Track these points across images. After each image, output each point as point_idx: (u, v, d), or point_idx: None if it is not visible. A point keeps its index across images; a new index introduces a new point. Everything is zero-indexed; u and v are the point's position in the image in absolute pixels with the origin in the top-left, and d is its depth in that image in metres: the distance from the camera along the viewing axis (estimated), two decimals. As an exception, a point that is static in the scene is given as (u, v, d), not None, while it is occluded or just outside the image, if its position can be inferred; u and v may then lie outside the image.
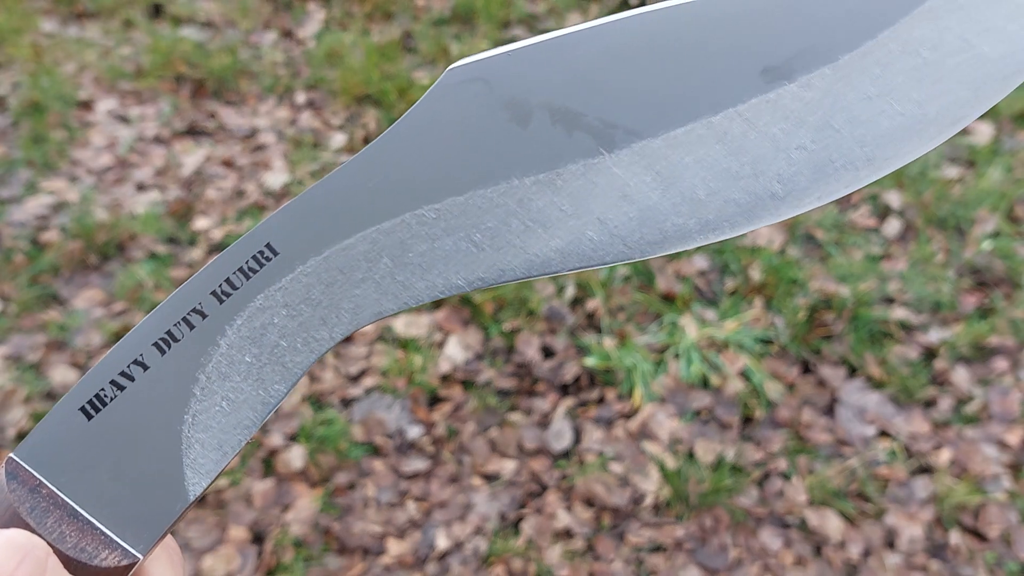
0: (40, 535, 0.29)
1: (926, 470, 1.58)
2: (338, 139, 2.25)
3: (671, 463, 1.56)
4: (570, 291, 1.84)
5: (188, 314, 0.32)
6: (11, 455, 0.30)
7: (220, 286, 0.33)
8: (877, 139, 0.33)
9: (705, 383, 1.70)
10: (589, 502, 1.52)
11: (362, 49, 2.51)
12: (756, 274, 1.87)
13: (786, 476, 1.56)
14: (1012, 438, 1.61)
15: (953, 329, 1.80)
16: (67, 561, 0.29)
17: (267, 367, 0.33)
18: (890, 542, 1.47)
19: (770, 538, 1.47)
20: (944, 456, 1.58)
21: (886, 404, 1.67)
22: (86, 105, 2.32)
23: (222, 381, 0.33)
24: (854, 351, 1.74)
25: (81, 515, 0.30)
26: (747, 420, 1.65)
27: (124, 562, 0.30)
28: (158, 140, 2.24)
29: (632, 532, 1.48)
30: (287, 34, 2.66)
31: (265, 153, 2.21)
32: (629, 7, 2.81)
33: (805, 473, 1.56)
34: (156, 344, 0.32)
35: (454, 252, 0.34)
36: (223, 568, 1.39)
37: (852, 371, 1.73)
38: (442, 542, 1.46)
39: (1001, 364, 1.73)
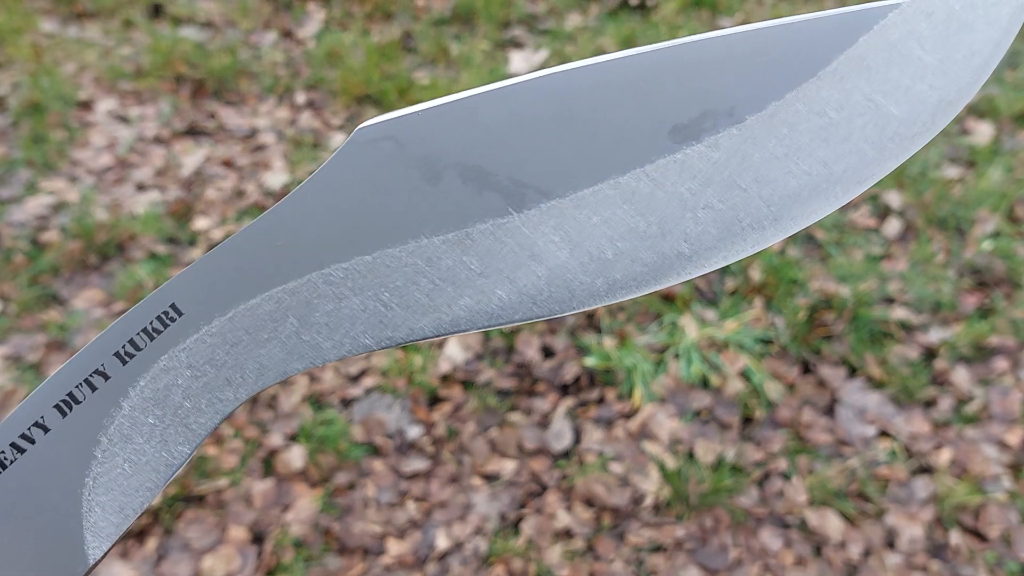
0: None
1: (926, 470, 1.58)
2: (338, 139, 2.25)
3: (671, 463, 1.56)
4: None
5: (91, 375, 0.32)
6: None
7: (123, 347, 0.32)
8: (784, 198, 0.34)
9: (705, 383, 1.70)
10: (589, 502, 1.52)
11: (362, 49, 2.51)
12: (756, 274, 1.87)
13: (786, 476, 1.56)
14: (1012, 438, 1.61)
15: (953, 329, 1.80)
16: None
17: (171, 428, 0.33)
18: (890, 542, 1.47)
19: (770, 538, 1.47)
20: (944, 456, 1.58)
21: (886, 404, 1.67)
22: (86, 105, 2.32)
23: (124, 443, 0.32)
24: (854, 351, 1.74)
25: None
26: (747, 420, 1.65)
27: None
28: (158, 140, 2.24)
29: (632, 532, 1.48)
30: (287, 34, 2.66)
31: (265, 153, 2.21)
32: (629, 7, 2.81)
33: (805, 473, 1.56)
34: (57, 406, 0.31)
35: (362, 311, 0.34)
36: (223, 568, 1.39)
37: (852, 371, 1.72)
38: (442, 542, 1.46)
39: (1001, 364, 1.73)
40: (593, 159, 0.33)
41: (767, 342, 1.77)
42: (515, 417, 1.64)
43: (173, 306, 0.33)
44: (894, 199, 2.08)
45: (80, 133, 2.21)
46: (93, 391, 0.32)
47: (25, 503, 0.31)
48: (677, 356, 1.72)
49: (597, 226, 0.33)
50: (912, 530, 1.47)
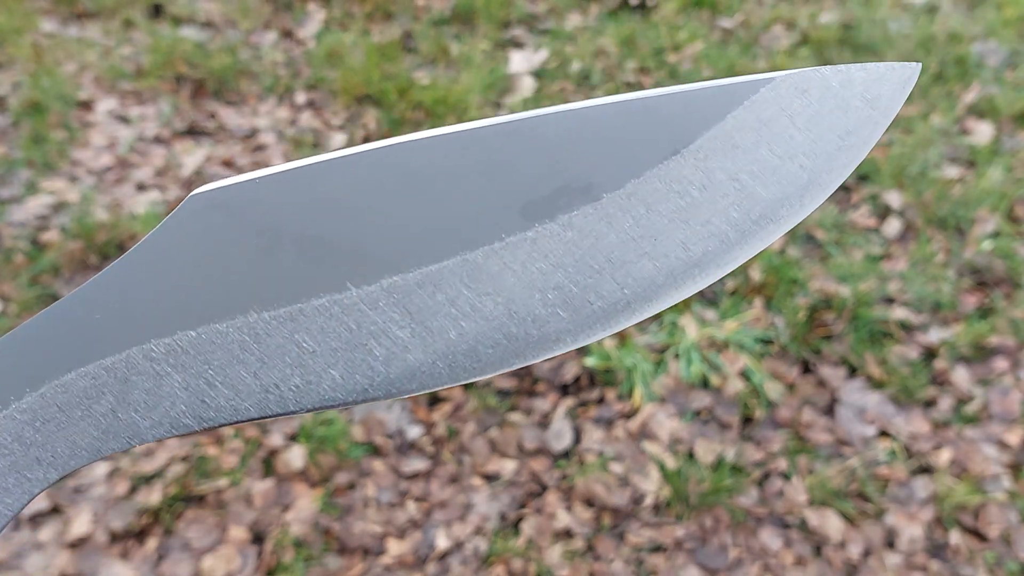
0: None
1: (926, 470, 1.58)
2: (338, 139, 2.25)
3: (671, 463, 1.56)
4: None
5: None
6: None
7: None
8: (638, 281, 0.32)
9: (705, 383, 1.70)
10: (589, 502, 1.52)
11: (362, 49, 2.51)
12: (756, 274, 1.87)
13: (786, 476, 1.56)
14: (1012, 438, 1.61)
15: (953, 329, 1.80)
16: None
17: None
18: (890, 542, 1.47)
19: (770, 538, 1.47)
20: (944, 456, 1.58)
21: (886, 404, 1.67)
22: (86, 105, 2.32)
23: None
24: (854, 351, 1.75)
25: None
26: (747, 420, 1.65)
27: None
28: (158, 140, 2.24)
29: (632, 532, 1.48)
30: (287, 34, 2.66)
31: (265, 153, 2.21)
32: (629, 7, 2.81)
33: (805, 473, 1.56)
34: None
35: (183, 390, 0.31)
36: (223, 568, 1.39)
37: (852, 371, 1.73)
38: (442, 542, 1.46)
39: (1001, 364, 1.73)
40: (440, 234, 0.32)
41: (767, 342, 1.77)
42: (515, 417, 1.64)
43: None
44: (894, 199, 2.08)
45: (80, 133, 2.22)
46: None
47: None
48: (677, 356, 1.72)
49: (442, 304, 0.31)
50: (912, 530, 1.48)
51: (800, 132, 0.32)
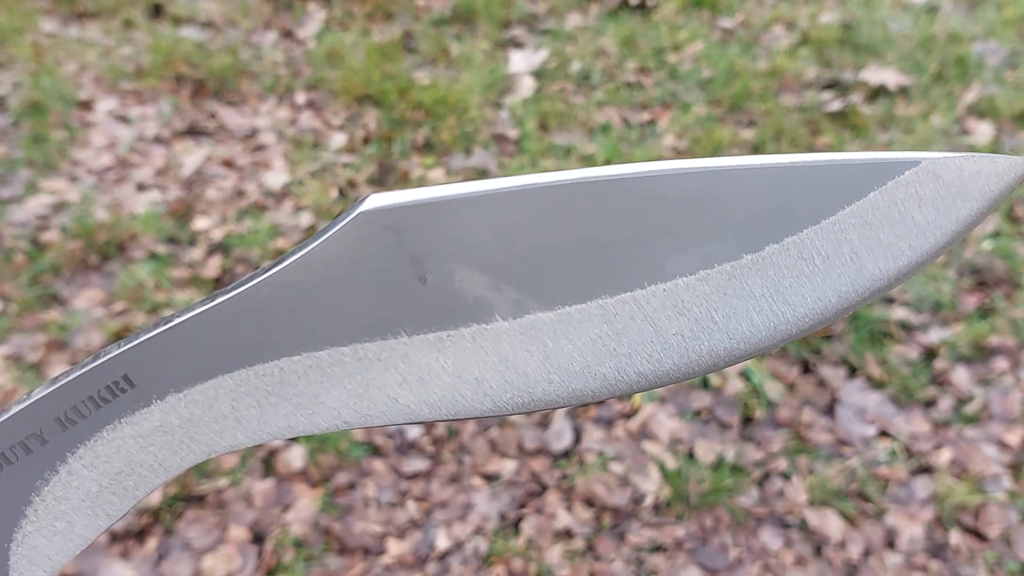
0: None
1: (926, 470, 1.58)
2: (338, 139, 2.25)
3: (671, 463, 1.56)
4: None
5: (26, 438, 0.31)
6: None
7: (65, 413, 0.31)
8: (745, 333, 0.34)
9: (705, 383, 1.70)
10: (589, 502, 1.52)
11: (363, 49, 2.51)
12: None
13: (786, 476, 1.56)
14: (1012, 438, 1.61)
15: (953, 329, 1.80)
16: None
17: (107, 492, 0.32)
18: (890, 542, 1.47)
19: (770, 538, 1.47)
20: (944, 456, 1.58)
21: (886, 404, 1.67)
22: (86, 105, 2.32)
23: (58, 503, 0.32)
24: (854, 351, 1.75)
25: None
26: (747, 420, 1.65)
27: None
28: (158, 140, 2.24)
29: (632, 532, 1.48)
30: (288, 34, 2.66)
31: (265, 153, 2.21)
32: (629, 7, 2.81)
33: (805, 473, 1.56)
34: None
35: (317, 396, 0.33)
36: (223, 568, 1.39)
37: (852, 371, 1.73)
38: (442, 542, 1.46)
39: (1001, 364, 1.73)
40: (591, 276, 0.33)
41: (767, 342, 1.76)
42: (515, 417, 1.64)
43: (126, 377, 0.31)
44: (894, 199, 2.08)
45: (80, 133, 2.22)
46: (28, 454, 0.31)
47: None
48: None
49: (573, 341, 0.33)
50: (912, 530, 1.48)
51: (922, 215, 0.34)
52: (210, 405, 0.32)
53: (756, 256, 0.34)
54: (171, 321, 0.32)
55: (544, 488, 1.55)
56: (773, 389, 1.68)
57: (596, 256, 0.33)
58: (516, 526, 1.49)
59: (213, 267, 1.87)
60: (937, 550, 1.46)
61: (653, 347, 0.34)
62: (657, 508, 1.52)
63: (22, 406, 0.31)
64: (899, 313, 1.82)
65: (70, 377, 0.31)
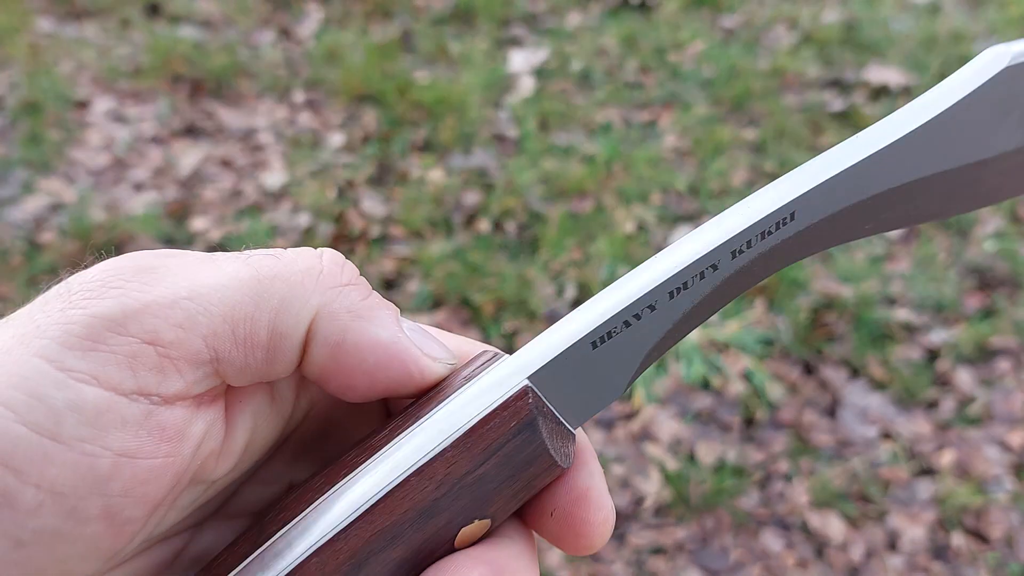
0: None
1: (928, 471, 1.57)
2: (337, 139, 2.24)
3: (672, 465, 1.55)
4: (570, 292, 1.84)
5: (705, 269, 0.32)
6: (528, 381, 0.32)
7: (740, 247, 0.33)
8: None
9: (706, 384, 1.69)
10: (590, 504, 1.51)
11: (361, 48, 2.50)
12: (757, 274, 1.86)
13: (788, 478, 1.55)
14: (1014, 439, 1.61)
15: (955, 330, 1.79)
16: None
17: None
18: (892, 544, 1.47)
19: (772, 540, 1.47)
20: (946, 457, 1.58)
21: (888, 405, 1.66)
22: (83, 105, 2.31)
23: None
24: (856, 352, 1.74)
25: (555, 415, 0.33)
26: (748, 421, 1.64)
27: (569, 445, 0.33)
28: (156, 140, 2.23)
29: (633, 534, 1.47)
30: (286, 33, 2.65)
31: (263, 153, 2.20)
32: (630, 6, 2.80)
33: (807, 474, 1.55)
34: (670, 292, 0.33)
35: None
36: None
37: (854, 372, 1.72)
38: (442, 544, 1.45)
39: (1004, 365, 1.73)
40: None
41: (769, 343, 1.76)
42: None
43: (792, 215, 0.33)
44: (895, 199, 2.08)
45: (77, 133, 2.20)
46: (702, 279, 0.33)
47: (609, 363, 0.33)
48: (678, 357, 1.72)
49: None
50: (914, 531, 1.47)
51: None
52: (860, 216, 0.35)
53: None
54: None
55: (544, 490, 1.54)
56: (774, 390, 1.67)
57: None
58: (516, 528, 1.48)
59: (211, 267, 1.86)
60: (939, 552, 1.46)
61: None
62: (658, 510, 1.51)
63: (694, 245, 0.33)
64: (901, 314, 1.81)
65: (741, 215, 0.33)
